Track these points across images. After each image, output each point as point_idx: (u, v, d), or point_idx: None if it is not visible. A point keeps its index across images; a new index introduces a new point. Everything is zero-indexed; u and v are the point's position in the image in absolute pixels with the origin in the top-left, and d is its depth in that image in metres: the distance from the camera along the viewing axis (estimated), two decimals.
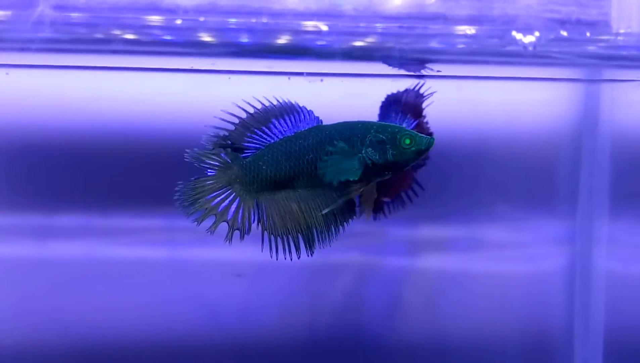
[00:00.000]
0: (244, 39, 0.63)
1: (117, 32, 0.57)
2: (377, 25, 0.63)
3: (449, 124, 0.85)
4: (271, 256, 0.62)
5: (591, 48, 0.62)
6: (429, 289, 0.87)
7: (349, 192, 0.63)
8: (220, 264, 0.85)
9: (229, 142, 0.62)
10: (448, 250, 0.87)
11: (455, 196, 0.85)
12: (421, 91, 0.71)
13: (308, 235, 0.62)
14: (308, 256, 0.63)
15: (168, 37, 0.59)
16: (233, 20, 0.62)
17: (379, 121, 0.70)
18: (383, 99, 0.72)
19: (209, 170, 0.62)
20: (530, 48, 0.52)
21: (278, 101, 0.62)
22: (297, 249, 0.62)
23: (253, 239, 0.84)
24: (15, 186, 0.81)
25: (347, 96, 0.80)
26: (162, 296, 0.84)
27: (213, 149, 0.62)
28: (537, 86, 0.82)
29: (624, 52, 0.59)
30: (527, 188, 0.85)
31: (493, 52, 0.59)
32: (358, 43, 0.65)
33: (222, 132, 0.61)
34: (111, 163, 0.81)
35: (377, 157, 0.61)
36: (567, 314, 0.87)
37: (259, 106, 0.62)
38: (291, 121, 0.63)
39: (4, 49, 0.62)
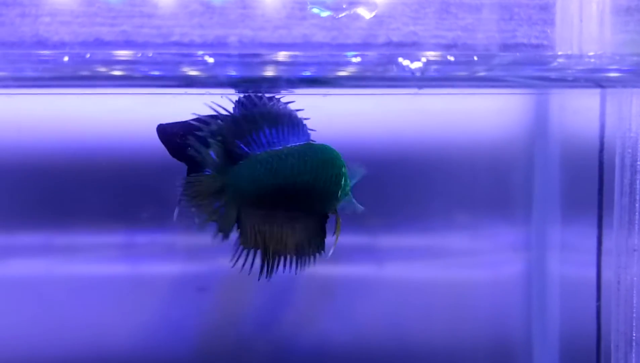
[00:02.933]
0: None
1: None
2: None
3: (404, 135, 0.86)
4: (233, 266, 0.62)
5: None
6: (390, 297, 0.88)
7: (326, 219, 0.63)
8: (182, 278, 0.86)
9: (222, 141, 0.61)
10: (407, 259, 0.88)
11: (413, 205, 0.87)
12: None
13: (282, 257, 0.62)
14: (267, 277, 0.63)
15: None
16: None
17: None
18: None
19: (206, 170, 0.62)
20: (418, 73, 0.53)
21: (277, 105, 0.62)
22: (263, 269, 0.62)
23: (217, 252, 0.86)
24: None
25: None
26: (124, 312, 0.85)
27: (214, 145, 0.60)
28: (489, 95, 0.83)
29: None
30: (483, 195, 0.87)
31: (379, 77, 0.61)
32: None
33: (217, 123, 0.60)
34: (69, 181, 0.82)
35: None
36: (525, 319, 0.88)
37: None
38: (285, 130, 0.62)
39: None
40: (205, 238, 0.85)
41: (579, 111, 0.81)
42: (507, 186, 0.86)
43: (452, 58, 0.52)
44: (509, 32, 0.72)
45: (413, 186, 0.86)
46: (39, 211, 0.83)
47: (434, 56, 0.53)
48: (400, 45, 0.56)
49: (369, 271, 0.88)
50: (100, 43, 0.66)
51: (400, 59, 0.52)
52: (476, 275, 0.88)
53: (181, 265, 0.86)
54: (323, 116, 0.82)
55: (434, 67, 0.53)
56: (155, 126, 0.66)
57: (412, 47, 0.56)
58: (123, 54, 0.58)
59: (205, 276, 0.86)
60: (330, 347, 0.88)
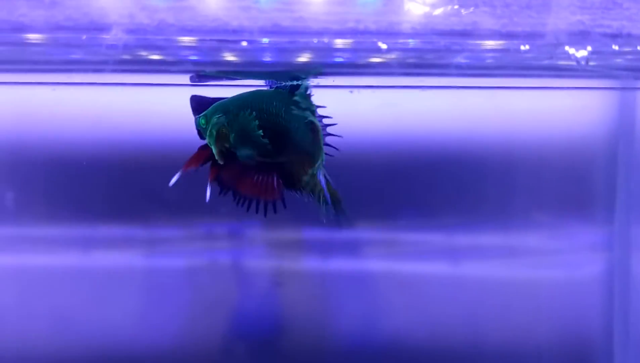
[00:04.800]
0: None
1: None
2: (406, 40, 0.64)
3: (481, 133, 0.86)
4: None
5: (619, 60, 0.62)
6: (466, 296, 0.88)
7: None
8: (260, 272, 0.87)
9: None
10: (484, 258, 0.87)
11: (490, 204, 0.86)
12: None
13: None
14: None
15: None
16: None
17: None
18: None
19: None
20: (583, 62, 0.53)
21: None
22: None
23: (290, 248, 0.86)
24: (59, 198, 0.84)
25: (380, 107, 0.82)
26: (202, 304, 0.86)
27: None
28: (571, 92, 0.83)
29: None
30: (563, 194, 0.86)
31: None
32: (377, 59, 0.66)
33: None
34: (151, 174, 0.83)
35: None
36: (606, 320, 0.86)
37: None
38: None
39: (78, 70, 0.65)
40: (285, 234, 0.87)
41: None
42: (589, 185, 0.85)
43: (616, 47, 0.52)
44: None
45: (492, 184, 0.86)
46: (121, 203, 0.85)
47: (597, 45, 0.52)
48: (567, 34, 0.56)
49: (445, 269, 0.88)
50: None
51: (566, 47, 0.52)
52: (555, 274, 0.86)
53: (260, 259, 0.87)
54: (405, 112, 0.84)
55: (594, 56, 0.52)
56: None
57: (578, 36, 0.55)
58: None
59: (283, 271, 0.87)
60: (404, 343, 0.88)
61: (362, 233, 0.87)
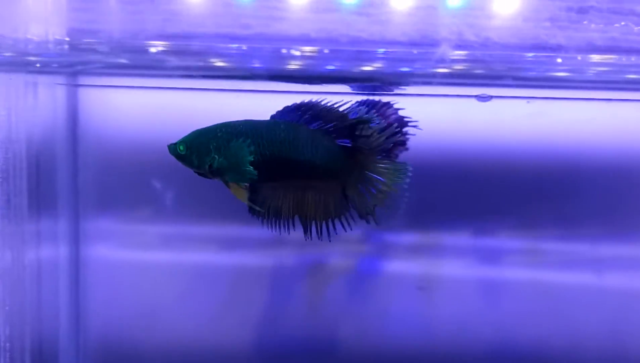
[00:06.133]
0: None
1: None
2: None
3: (631, 144, 0.86)
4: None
5: None
6: (610, 308, 0.88)
7: None
8: (404, 276, 0.89)
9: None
10: (629, 269, 0.87)
11: (636, 214, 0.86)
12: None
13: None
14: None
15: None
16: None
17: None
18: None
19: None
20: None
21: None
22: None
23: (433, 252, 0.88)
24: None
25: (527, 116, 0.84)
26: (350, 305, 0.89)
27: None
28: None
29: None
30: None
31: None
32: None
33: None
34: None
35: None
36: None
37: None
38: None
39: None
40: (428, 239, 0.89)
41: None
42: None
43: None
44: None
45: (638, 195, 0.86)
46: None
47: None
48: None
49: (588, 279, 0.88)
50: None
51: None
52: None
53: (404, 263, 0.89)
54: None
55: None
56: None
57: None
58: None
59: (427, 276, 0.89)
60: (547, 351, 0.88)
61: (505, 241, 0.88)
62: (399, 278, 0.89)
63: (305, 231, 0.67)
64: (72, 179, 0.81)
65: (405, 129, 0.71)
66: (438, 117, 0.80)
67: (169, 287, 0.87)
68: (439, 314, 0.89)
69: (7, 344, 0.71)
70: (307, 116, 0.65)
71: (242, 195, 0.65)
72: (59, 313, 0.83)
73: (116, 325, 0.86)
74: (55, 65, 0.59)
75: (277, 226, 0.67)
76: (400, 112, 0.71)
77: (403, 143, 0.71)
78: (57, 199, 0.79)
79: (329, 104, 0.64)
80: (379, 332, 0.89)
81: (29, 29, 0.56)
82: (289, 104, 0.65)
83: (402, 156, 0.71)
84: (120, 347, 0.86)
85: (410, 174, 0.66)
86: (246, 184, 0.65)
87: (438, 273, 0.89)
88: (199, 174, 0.65)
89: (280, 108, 0.66)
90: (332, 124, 0.64)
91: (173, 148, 0.64)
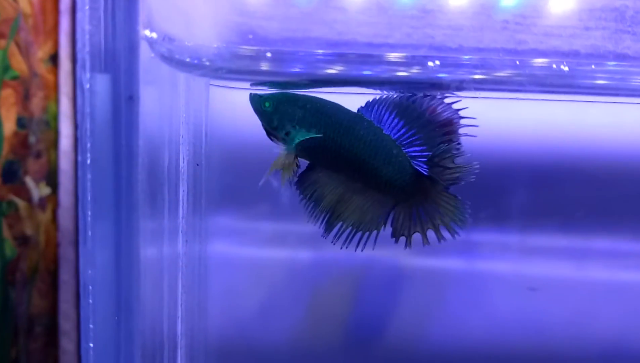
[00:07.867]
0: None
1: None
2: None
3: None
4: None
5: None
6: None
7: None
8: (515, 277, 0.89)
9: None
10: None
11: None
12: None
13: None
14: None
15: None
16: None
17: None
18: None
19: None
20: None
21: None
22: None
23: (547, 254, 0.88)
24: None
25: None
26: (462, 307, 0.89)
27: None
28: None
29: None
30: None
31: None
32: None
33: None
34: None
35: None
36: None
37: None
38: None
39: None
40: (536, 242, 0.89)
41: None
42: None
43: None
44: None
45: None
46: None
47: None
48: None
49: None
50: None
51: None
52: None
53: (514, 264, 0.89)
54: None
55: None
56: None
57: None
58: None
59: (537, 276, 0.89)
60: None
61: (621, 243, 0.88)
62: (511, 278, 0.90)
63: (326, 230, 0.66)
64: (199, 178, 0.82)
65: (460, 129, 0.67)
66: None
67: (284, 284, 0.88)
68: (550, 317, 0.90)
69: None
70: (393, 117, 0.63)
71: (288, 167, 0.64)
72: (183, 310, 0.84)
73: (234, 322, 0.88)
74: (224, 70, 0.60)
75: (311, 213, 0.66)
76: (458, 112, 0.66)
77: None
78: (201, 198, 0.80)
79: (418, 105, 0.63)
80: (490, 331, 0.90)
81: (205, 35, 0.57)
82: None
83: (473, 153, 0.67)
84: (240, 345, 0.88)
85: (469, 212, 0.66)
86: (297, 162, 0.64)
87: (548, 274, 0.89)
88: (267, 131, 0.65)
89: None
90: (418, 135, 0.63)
91: (257, 100, 0.63)
